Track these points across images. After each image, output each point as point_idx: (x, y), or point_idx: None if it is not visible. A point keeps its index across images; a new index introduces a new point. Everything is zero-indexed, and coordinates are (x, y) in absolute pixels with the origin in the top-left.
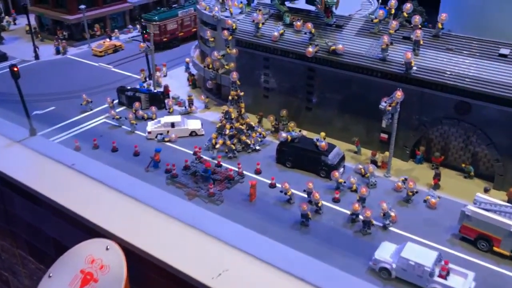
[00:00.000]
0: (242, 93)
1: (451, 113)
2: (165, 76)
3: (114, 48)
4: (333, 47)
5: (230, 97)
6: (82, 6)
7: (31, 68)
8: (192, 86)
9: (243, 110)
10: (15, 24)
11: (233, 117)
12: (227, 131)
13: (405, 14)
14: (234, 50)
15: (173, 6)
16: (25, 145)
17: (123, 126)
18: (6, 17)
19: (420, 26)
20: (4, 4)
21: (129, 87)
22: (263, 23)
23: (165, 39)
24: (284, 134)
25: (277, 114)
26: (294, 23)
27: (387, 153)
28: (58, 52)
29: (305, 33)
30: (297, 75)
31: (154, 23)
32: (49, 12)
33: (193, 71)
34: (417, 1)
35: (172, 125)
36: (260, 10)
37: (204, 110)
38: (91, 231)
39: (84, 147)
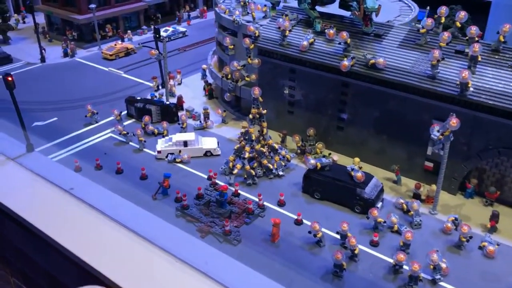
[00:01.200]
0: (264, 111)
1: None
2: (179, 84)
3: (126, 51)
4: (372, 61)
5: (250, 116)
6: (92, 5)
7: (36, 72)
8: (209, 97)
9: (265, 130)
10: (24, 22)
11: (253, 138)
12: (247, 154)
13: (458, 23)
14: (256, 61)
15: None
16: (21, 163)
17: (130, 143)
18: (15, 15)
19: (477, 38)
20: (14, 1)
21: (139, 98)
22: (290, 30)
23: None
24: (312, 161)
25: (303, 133)
26: (326, 31)
27: (433, 186)
28: (66, 54)
29: (339, 43)
30: (328, 90)
31: None
32: (58, 11)
33: (210, 79)
34: (461, 6)
35: (185, 144)
36: (286, 15)
37: (220, 125)
38: (87, 272)
39: (85, 167)
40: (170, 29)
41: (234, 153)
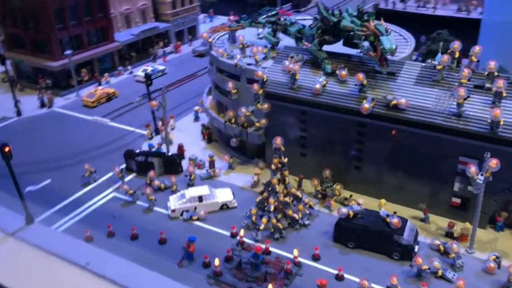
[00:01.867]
0: (285, 159)
1: None
2: (172, 129)
3: (108, 96)
4: (394, 102)
5: (273, 166)
6: (68, 51)
7: (14, 127)
8: (208, 141)
9: (287, 180)
10: None
11: (277, 190)
12: (272, 207)
13: (473, 58)
14: (266, 105)
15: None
16: (22, 238)
17: (138, 202)
18: None
19: (496, 73)
20: None
21: (138, 151)
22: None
23: None
24: (344, 210)
25: (317, 175)
26: (337, 71)
27: (467, 224)
28: (43, 105)
29: (355, 85)
30: (343, 131)
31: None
32: (28, 59)
33: (203, 119)
34: (447, 30)
35: (200, 199)
36: (292, 57)
37: (228, 171)
38: None
39: (96, 236)
40: (149, 68)
41: (257, 205)
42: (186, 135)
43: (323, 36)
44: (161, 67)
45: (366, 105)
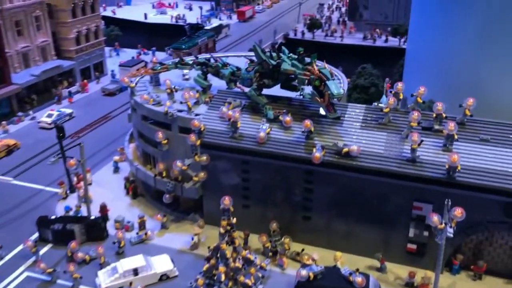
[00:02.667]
0: (234, 220)
1: (498, 216)
2: (90, 184)
3: (7, 149)
4: (346, 149)
5: (221, 229)
6: None
7: None
8: (133, 196)
9: (237, 241)
10: None
11: (228, 256)
12: (222, 276)
13: (419, 99)
14: (204, 157)
15: (194, 35)
16: None
17: (58, 281)
18: None
19: (444, 114)
20: None
21: (53, 217)
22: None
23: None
24: (303, 272)
25: (262, 227)
26: (281, 117)
27: (428, 273)
28: None
29: (303, 132)
30: (290, 179)
31: (183, 51)
32: None
33: (123, 170)
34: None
35: (135, 272)
36: (230, 102)
37: (162, 231)
38: None
39: None
40: (55, 112)
41: (204, 274)
42: (107, 190)
43: (262, 80)
44: (68, 110)
45: (317, 154)
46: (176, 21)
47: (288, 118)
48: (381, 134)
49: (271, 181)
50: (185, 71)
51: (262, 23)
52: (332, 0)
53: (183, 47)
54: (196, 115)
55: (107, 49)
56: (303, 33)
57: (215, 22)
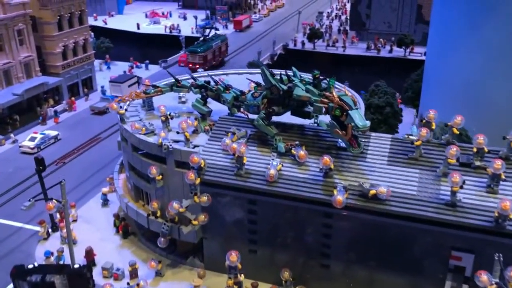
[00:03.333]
0: (242, 277)
1: None
2: (75, 221)
3: None
4: (373, 191)
5: None
6: None
7: None
8: (124, 235)
9: None
10: None
11: None
12: None
13: (455, 130)
14: (205, 198)
15: (207, 39)
16: None
17: None
18: None
19: (486, 149)
20: None
21: (31, 266)
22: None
23: (205, 67)
24: None
25: (272, 275)
26: (294, 151)
27: None
28: None
29: (321, 169)
30: (305, 223)
31: (199, 54)
32: None
33: (113, 204)
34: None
35: None
36: (234, 133)
37: (156, 280)
38: None
39: None
40: (38, 135)
41: None
42: (95, 228)
43: (271, 106)
44: (53, 132)
45: (339, 197)
46: (170, 32)
47: (302, 152)
48: (413, 171)
49: (282, 223)
50: (181, 93)
51: (260, 33)
52: (331, 8)
53: (199, 50)
54: (195, 146)
55: (97, 62)
56: (303, 43)
57: (211, 33)
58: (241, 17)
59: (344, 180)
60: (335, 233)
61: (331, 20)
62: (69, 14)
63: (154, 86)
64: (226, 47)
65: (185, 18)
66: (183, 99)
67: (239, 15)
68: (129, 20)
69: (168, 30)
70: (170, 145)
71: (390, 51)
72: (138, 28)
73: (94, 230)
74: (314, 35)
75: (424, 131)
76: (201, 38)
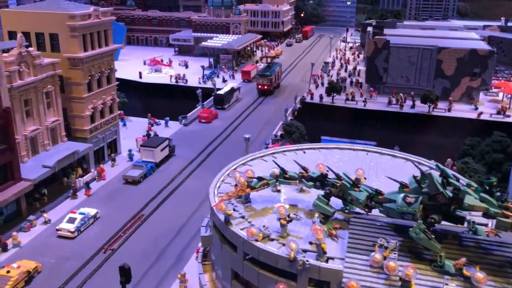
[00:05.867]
0: None
1: None
2: None
3: (28, 276)
4: None
5: None
6: None
7: None
8: None
9: None
10: None
11: None
12: None
13: None
14: None
15: (270, 64)
16: None
17: None
18: None
19: None
20: None
21: None
22: None
23: (271, 88)
24: None
25: None
26: (465, 271)
27: None
28: None
29: None
30: None
31: (268, 77)
32: None
33: None
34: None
35: None
36: (381, 245)
37: None
38: None
39: None
40: (77, 216)
41: None
42: None
43: (430, 215)
44: (92, 211)
45: None
46: (176, 81)
47: (480, 275)
48: None
49: None
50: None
51: None
52: (331, 57)
53: (268, 74)
54: (329, 259)
55: None
56: (321, 97)
57: (228, 85)
58: (249, 67)
59: None
60: None
61: (338, 71)
62: (99, 74)
63: (260, 179)
64: (281, 72)
65: (186, 66)
66: (277, 188)
67: (243, 64)
68: (128, 68)
69: (173, 80)
70: (307, 261)
71: (413, 106)
72: (140, 77)
73: None
74: (333, 89)
75: None
76: (263, 65)
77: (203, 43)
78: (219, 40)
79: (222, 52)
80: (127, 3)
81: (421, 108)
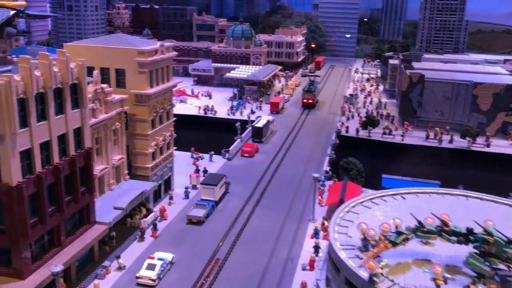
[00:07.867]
0: None
1: None
2: None
3: None
4: None
5: None
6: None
7: None
8: None
9: None
10: None
11: None
12: None
13: None
14: None
15: (313, 81)
16: None
17: None
18: None
19: None
20: None
21: None
22: None
23: (315, 102)
24: None
25: None
26: None
27: None
28: None
29: None
30: None
31: (313, 92)
32: None
33: None
34: None
35: None
36: None
37: None
38: None
39: None
40: (156, 262)
41: None
42: None
43: None
44: (168, 256)
45: None
46: (205, 112)
47: None
48: None
49: None
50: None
51: (297, 116)
52: (352, 89)
53: (312, 89)
54: None
55: None
56: (357, 131)
57: (263, 119)
58: (276, 98)
59: None
60: None
61: (365, 104)
62: (162, 110)
63: (399, 233)
64: (320, 90)
65: (210, 97)
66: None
67: (267, 95)
68: None
69: (202, 111)
70: None
71: (451, 141)
72: None
73: None
74: (370, 122)
75: None
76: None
77: (227, 74)
78: (241, 71)
79: (246, 83)
80: (144, 32)
81: (459, 143)
